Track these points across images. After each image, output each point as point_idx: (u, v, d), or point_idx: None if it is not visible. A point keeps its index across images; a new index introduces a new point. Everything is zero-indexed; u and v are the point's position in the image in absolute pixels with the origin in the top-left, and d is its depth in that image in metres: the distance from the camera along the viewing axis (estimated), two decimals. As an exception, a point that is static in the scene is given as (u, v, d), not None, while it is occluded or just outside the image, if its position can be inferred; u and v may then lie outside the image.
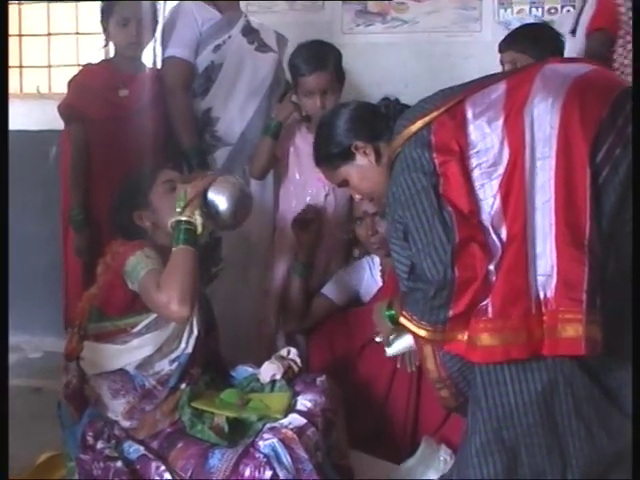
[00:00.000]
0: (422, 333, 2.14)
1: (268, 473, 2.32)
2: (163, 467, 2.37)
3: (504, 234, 2.07)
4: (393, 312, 2.42)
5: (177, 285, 2.41)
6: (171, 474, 2.36)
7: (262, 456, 2.35)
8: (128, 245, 2.59)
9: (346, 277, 3.38)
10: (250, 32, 3.52)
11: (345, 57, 3.42)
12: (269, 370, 2.76)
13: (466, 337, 2.08)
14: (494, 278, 2.05)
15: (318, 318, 3.35)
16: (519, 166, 2.07)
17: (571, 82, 2.12)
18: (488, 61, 3.86)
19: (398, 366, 3.06)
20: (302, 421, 2.49)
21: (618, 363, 2.09)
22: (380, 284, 3.30)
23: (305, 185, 3.40)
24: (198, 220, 2.54)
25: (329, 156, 2.60)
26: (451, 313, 2.08)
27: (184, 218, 2.53)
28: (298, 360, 2.83)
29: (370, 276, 3.35)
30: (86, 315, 2.62)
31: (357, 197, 2.75)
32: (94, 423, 2.54)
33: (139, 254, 2.52)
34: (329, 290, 3.36)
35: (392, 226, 2.25)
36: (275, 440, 2.39)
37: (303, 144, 3.39)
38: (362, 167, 2.54)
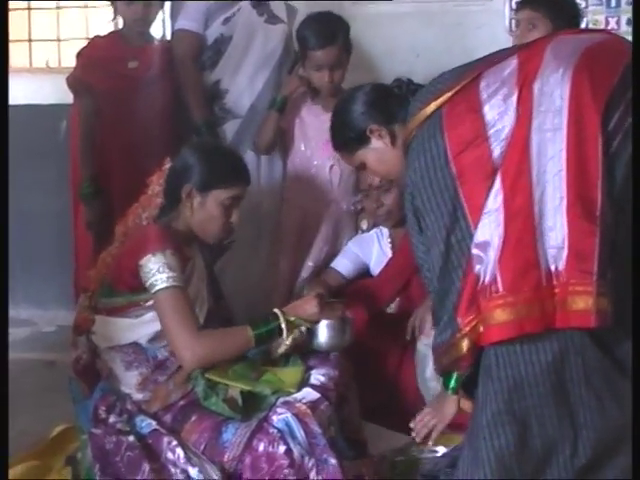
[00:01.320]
0: (464, 348, 2.08)
1: (282, 448, 2.33)
2: (175, 442, 2.37)
3: (502, 209, 2.04)
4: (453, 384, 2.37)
5: (212, 354, 2.49)
6: (183, 449, 2.36)
7: (276, 431, 2.35)
8: (151, 236, 2.56)
9: (355, 250, 3.38)
10: (260, 4, 3.49)
11: (355, 28, 3.41)
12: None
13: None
14: (499, 254, 2.03)
15: (329, 289, 3.32)
16: (522, 139, 2.05)
17: (581, 52, 2.10)
18: (499, 30, 3.86)
19: (408, 338, 3.06)
20: (316, 395, 2.49)
21: (628, 334, 2.08)
22: (390, 255, 3.30)
23: (311, 157, 3.43)
24: (289, 340, 2.55)
25: (345, 141, 2.60)
26: (464, 302, 2.06)
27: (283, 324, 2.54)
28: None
29: (379, 248, 3.35)
30: (99, 284, 2.63)
31: (372, 179, 2.75)
32: (106, 397, 2.55)
33: (159, 256, 2.48)
34: (338, 264, 3.36)
35: (410, 216, 2.25)
36: (289, 415, 2.38)
37: (308, 116, 3.40)
38: (378, 150, 2.54)
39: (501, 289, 2.00)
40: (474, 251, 2.05)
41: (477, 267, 2.04)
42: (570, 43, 2.17)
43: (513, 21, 3.66)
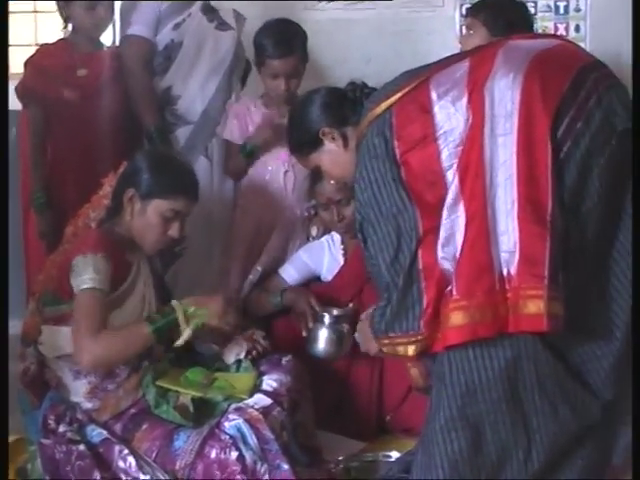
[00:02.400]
0: (411, 350, 2.11)
1: (234, 454, 2.33)
2: (126, 450, 2.37)
3: (463, 213, 2.06)
4: None
5: (110, 354, 2.45)
6: (135, 457, 2.35)
7: (228, 437, 2.35)
8: (87, 239, 2.56)
9: (305, 259, 3.35)
10: (209, 10, 3.49)
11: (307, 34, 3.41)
12: (233, 350, 2.76)
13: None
14: (451, 268, 2.05)
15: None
16: (477, 143, 2.06)
17: (532, 57, 2.12)
18: (450, 36, 3.88)
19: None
20: (268, 401, 2.49)
21: (582, 340, 2.10)
22: (342, 262, 3.29)
23: (265, 163, 3.41)
24: (187, 332, 2.51)
25: (300, 144, 2.61)
26: (425, 303, 2.07)
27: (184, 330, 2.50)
28: (262, 341, 2.83)
29: (330, 256, 3.33)
30: (44, 288, 2.61)
31: (331, 182, 2.75)
32: (55, 407, 2.53)
33: (89, 257, 2.47)
34: (285, 272, 3.35)
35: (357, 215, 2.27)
36: (241, 420, 2.39)
37: (260, 120, 3.38)
38: (331, 152, 2.55)
39: (455, 293, 2.02)
40: (441, 257, 2.07)
41: (446, 271, 2.06)
42: (521, 48, 2.19)
43: (463, 27, 3.69)
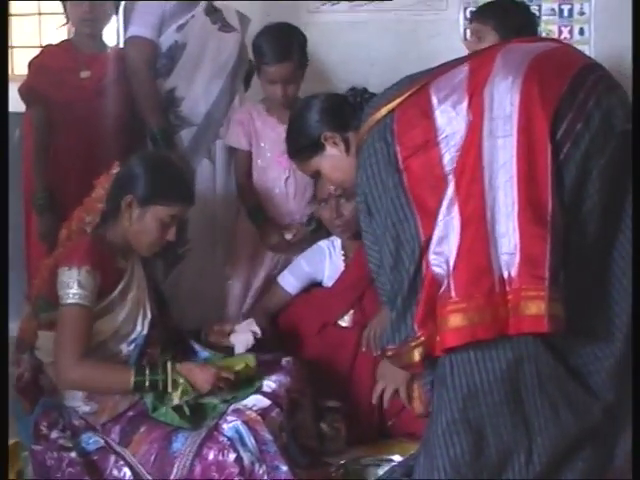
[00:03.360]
0: (417, 356, 2.11)
1: (232, 456, 2.33)
2: (122, 462, 2.37)
3: (457, 215, 2.06)
4: None
5: (87, 383, 2.47)
6: (130, 469, 2.35)
7: (226, 439, 2.36)
8: (76, 249, 2.55)
9: (305, 267, 3.36)
10: (213, 12, 3.47)
11: (310, 36, 3.41)
12: (241, 340, 2.76)
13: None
14: (452, 260, 2.05)
15: (272, 306, 3.35)
16: (475, 145, 2.07)
17: (531, 59, 2.13)
18: (454, 39, 3.86)
19: (363, 349, 3.06)
20: (266, 402, 2.50)
21: (583, 341, 2.10)
22: (342, 268, 3.29)
23: (267, 169, 3.40)
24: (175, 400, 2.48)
25: (300, 148, 2.62)
26: (420, 307, 2.07)
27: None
28: (257, 330, 2.85)
29: (331, 262, 3.33)
30: (38, 293, 2.61)
31: (331, 187, 2.74)
32: (48, 413, 2.53)
33: (73, 271, 2.47)
34: (285, 281, 3.36)
35: (362, 218, 2.27)
36: (239, 422, 2.39)
37: (264, 128, 3.39)
38: (332, 157, 2.56)
39: (454, 295, 2.02)
40: (432, 258, 2.06)
41: (437, 273, 2.06)
42: (520, 51, 2.20)
43: (467, 30, 3.68)
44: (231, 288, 3.46)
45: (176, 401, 2.47)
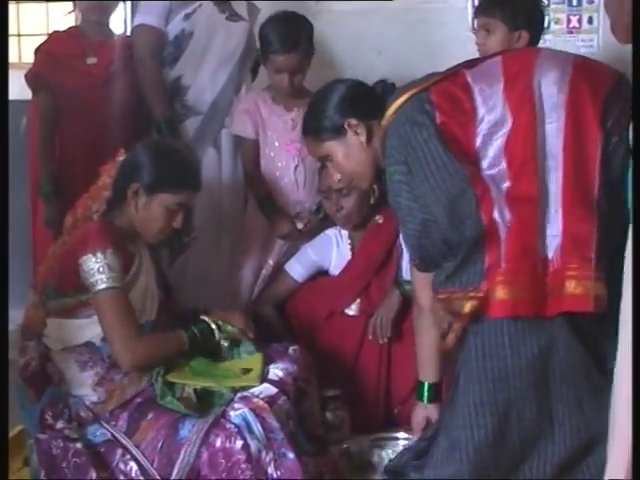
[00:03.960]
0: (467, 307, 2.11)
1: (239, 443, 2.33)
2: (129, 455, 2.37)
3: (509, 194, 2.09)
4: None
5: (151, 355, 2.52)
6: (137, 464, 2.36)
7: (233, 426, 2.36)
8: (92, 234, 2.54)
9: (312, 256, 3.37)
10: (221, 1, 3.44)
11: (318, 25, 3.40)
12: None
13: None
14: (503, 234, 2.08)
15: (279, 293, 3.37)
16: (524, 127, 2.12)
17: (573, 60, 2.22)
18: (462, 28, 3.85)
19: (370, 337, 3.06)
20: (273, 390, 2.50)
21: (611, 331, 2.09)
22: (349, 257, 3.29)
23: (274, 158, 3.40)
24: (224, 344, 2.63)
25: (319, 129, 2.57)
26: (487, 263, 2.08)
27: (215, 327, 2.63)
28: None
29: (338, 250, 3.34)
30: (45, 280, 2.61)
31: (337, 176, 2.73)
32: (55, 403, 2.53)
33: (99, 256, 2.47)
34: (292, 269, 3.37)
35: (394, 185, 2.25)
36: (246, 410, 2.39)
37: (270, 117, 3.38)
38: (351, 146, 2.53)
39: (503, 266, 2.06)
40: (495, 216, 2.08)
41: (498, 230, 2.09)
42: (559, 53, 2.31)
43: (475, 22, 3.67)
44: (241, 277, 3.46)
45: (226, 343, 2.62)
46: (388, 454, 2.77)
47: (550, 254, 2.05)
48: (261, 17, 3.48)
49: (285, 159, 3.37)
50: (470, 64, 2.29)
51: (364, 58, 3.89)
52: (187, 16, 3.40)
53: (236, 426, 2.35)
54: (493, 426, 2.11)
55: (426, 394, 2.60)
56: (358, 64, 3.88)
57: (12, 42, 4.68)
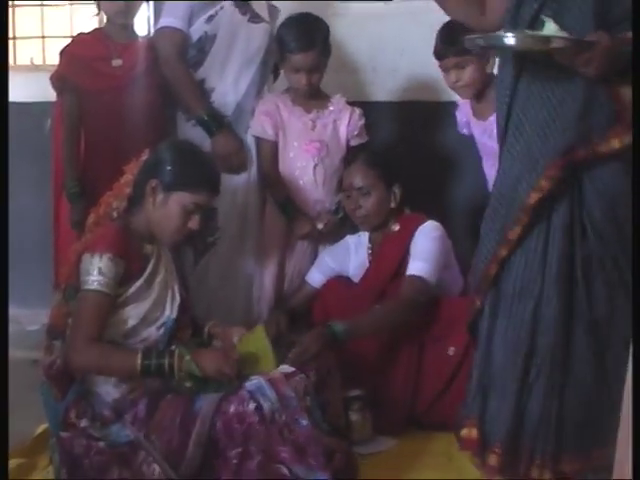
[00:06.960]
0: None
1: (252, 405, 2.35)
2: (151, 458, 2.37)
3: None
4: None
5: (95, 365, 2.49)
6: (160, 465, 2.36)
7: (246, 392, 2.38)
8: (100, 236, 2.56)
9: (330, 264, 3.39)
10: (242, 3, 3.45)
11: (339, 26, 3.43)
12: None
13: None
14: None
15: (296, 303, 3.39)
16: None
17: None
18: (482, 28, 3.84)
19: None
20: (291, 369, 2.53)
21: None
22: (367, 263, 3.31)
23: (294, 159, 3.42)
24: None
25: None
26: None
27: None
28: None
29: (356, 257, 3.36)
30: (68, 279, 2.61)
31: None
32: (79, 402, 2.54)
33: (95, 258, 2.48)
34: (313, 279, 3.40)
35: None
36: (262, 379, 2.42)
37: (290, 118, 3.40)
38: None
39: None
40: None
41: None
42: None
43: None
44: (262, 280, 3.49)
45: (187, 384, 2.48)
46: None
47: None
48: (280, 19, 3.50)
49: (305, 159, 3.40)
50: None
51: (386, 58, 3.91)
52: (209, 19, 3.41)
53: (249, 392, 2.37)
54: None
55: None
56: (380, 64, 3.90)
57: (36, 44, 4.73)
